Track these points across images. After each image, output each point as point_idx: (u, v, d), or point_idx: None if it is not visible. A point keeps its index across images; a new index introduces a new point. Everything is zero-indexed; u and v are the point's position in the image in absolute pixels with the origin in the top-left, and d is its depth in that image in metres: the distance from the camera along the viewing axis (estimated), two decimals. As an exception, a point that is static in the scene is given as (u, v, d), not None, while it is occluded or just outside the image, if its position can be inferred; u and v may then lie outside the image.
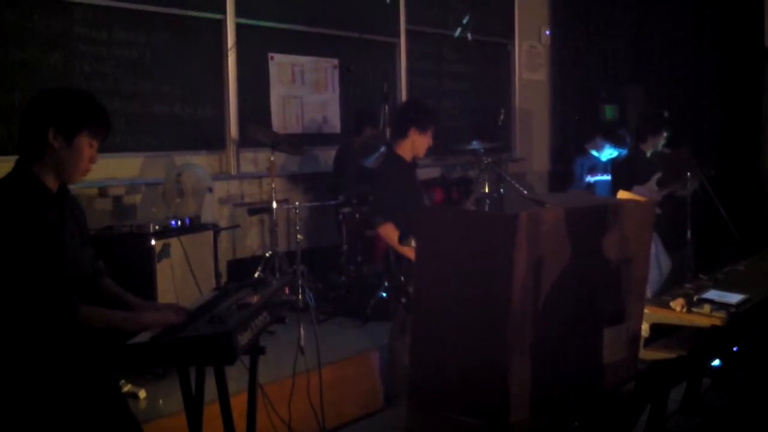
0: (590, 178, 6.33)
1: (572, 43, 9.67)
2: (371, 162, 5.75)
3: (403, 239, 4.48)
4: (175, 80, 6.12)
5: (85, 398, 2.66)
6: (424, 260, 2.90)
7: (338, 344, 5.12)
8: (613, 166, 6.75)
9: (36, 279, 2.49)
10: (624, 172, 6.57)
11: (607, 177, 6.68)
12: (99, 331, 2.68)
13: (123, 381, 4.06)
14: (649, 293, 6.13)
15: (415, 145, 4.68)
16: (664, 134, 6.63)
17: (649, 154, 6.64)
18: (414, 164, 4.81)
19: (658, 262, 6.61)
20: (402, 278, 4.55)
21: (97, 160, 2.72)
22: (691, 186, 6.54)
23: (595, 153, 6.56)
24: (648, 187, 6.50)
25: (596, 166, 6.45)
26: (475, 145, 6.71)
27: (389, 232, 4.53)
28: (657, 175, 6.57)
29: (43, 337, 2.55)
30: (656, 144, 6.64)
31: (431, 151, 4.78)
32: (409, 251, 4.45)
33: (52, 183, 2.66)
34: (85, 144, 2.65)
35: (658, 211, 6.56)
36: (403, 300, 4.60)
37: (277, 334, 5.02)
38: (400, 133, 4.74)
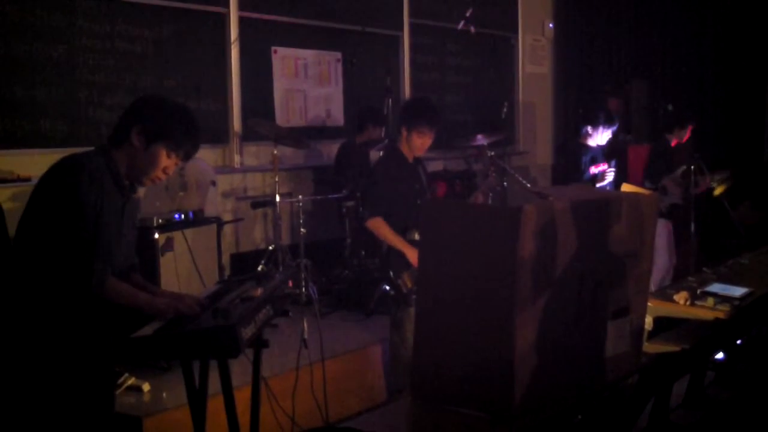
0: (595, 170, 6.31)
1: (576, 37, 9.65)
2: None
3: (406, 233, 4.48)
4: (178, 74, 6.12)
5: (84, 384, 2.70)
6: (427, 253, 2.90)
7: (341, 338, 5.13)
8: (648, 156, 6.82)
9: (78, 244, 2.58)
10: (653, 164, 6.62)
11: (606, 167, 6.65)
12: (110, 323, 2.74)
13: (126, 375, 4.07)
14: (656, 280, 6.14)
15: (410, 144, 4.67)
16: (690, 126, 6.67)
17: (674, 145, 6.68)
18: (416, 161, 4.78)
19: (670, 251, 6.65)
20: (391, 272, 4.54)
21: (171, 173, 2.88)
22: (698, 187, 6.56)
23: (592, 143, 6.51)
24: (673, 179, 6.51)
25: (597, 157, 6.43)
26: (479, 138, 6.70)
27: (378, 226, 4.52)
28: (682, 168, 6.56)
29: (68, 302, 2.63)
30: (681, 135, 6.67)
31: (434, 145, 4.77)
32: (402, 245, 4.43)
33: (124, 174, 2.78)
34: (162, 153, 2.77)
35: (679, 201, 6.59)
36: (393, 293, 4.59)
37: (281, 328, 5.02)
38: (397, 130, 4.77)
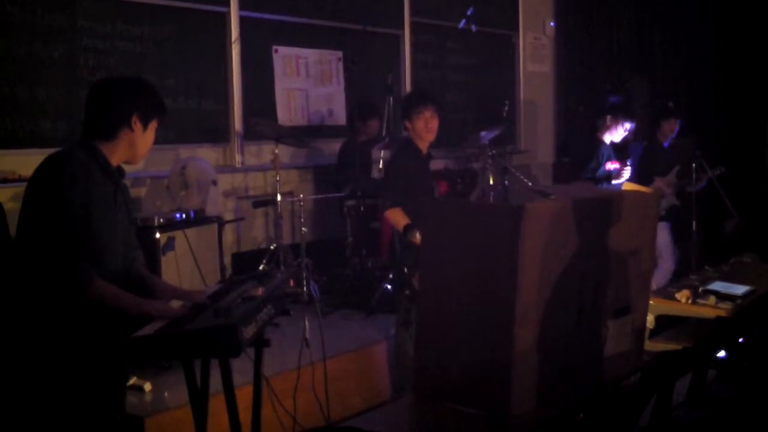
0: (611, 166, 6.25)
1: (577, 35, 9.63)
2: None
3: (408, 231, 4.46)
4: (179, 73, 6.12)
5: (86, 383, 2.70)
6: (428, 252, 2.89)
7: (343, 336, 5.13)
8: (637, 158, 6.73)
9: (62, 243, 2.59)
10: (642, 165, 6.54)
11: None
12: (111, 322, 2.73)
13: (135, 378, 4.07)
14: (660, 282, 6.11)
15: (417, 132, 4.66)
16: (677, 120, 6.56)
17: (667, 145, 6.60)
18: (428, 156, 4.77)
19: (672, 251, 6.61)
20: (406, 269, 4.52)
21: None
22: (698, 182, 6.51)
23: (608, 138, 6.41)
24: (666, 180, 6.47)
25: (611, 155, 6.38)
26: (480, 137, 6.70)
27: (396, 217, 4.50)
28: (677, 168, 6.52)
29: (64, 299, 2.63)
30: (670, 131, 6.58)
31: (434, 143, 4.76)
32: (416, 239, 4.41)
33: (114, 163, 2.83)
34: (155, 127, 2.89)
35: (676, 202, 6.54)
36: (407, 291, 4.57)
37: (282, 327, 5.02)
38: (404, 126, 4.78)
